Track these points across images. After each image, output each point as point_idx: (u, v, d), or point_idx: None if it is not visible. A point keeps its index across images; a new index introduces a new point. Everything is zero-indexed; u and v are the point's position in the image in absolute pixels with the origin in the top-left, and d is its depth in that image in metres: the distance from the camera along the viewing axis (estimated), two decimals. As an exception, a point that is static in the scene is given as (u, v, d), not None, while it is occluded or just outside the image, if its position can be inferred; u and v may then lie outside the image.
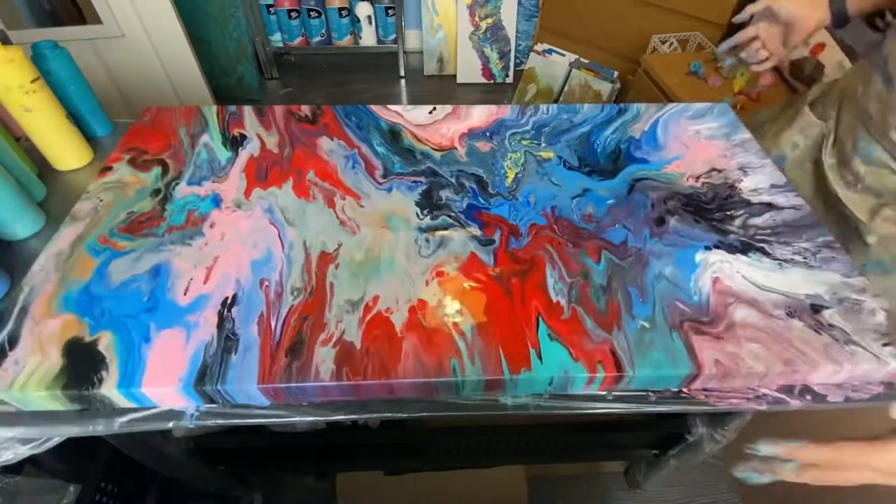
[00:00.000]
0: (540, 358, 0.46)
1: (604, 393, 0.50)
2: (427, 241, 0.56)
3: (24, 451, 0.46)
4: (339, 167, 0.65)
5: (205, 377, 0.43)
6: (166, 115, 0.72)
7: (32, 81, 0.60)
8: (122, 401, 0.44)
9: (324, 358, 0.45)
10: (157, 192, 0.60)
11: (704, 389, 0.53)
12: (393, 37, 2.57)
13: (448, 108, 0.76)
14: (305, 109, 0.75)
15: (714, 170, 0.69)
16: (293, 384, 0.44)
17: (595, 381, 0.47)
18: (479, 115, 0.75)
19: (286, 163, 0.65)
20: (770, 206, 0.64)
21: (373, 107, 0.75)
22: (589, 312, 0.50)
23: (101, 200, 0.58)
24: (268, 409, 0.47)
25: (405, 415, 0.48)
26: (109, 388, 0.42)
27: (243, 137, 0.69)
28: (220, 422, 0.46)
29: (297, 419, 0.47)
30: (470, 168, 0.66)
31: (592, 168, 0.67)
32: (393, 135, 0.71)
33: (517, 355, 0.46)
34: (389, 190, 0.62)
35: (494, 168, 0.67)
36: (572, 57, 2.06)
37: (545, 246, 0.56)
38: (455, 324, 0.48)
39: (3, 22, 1.43)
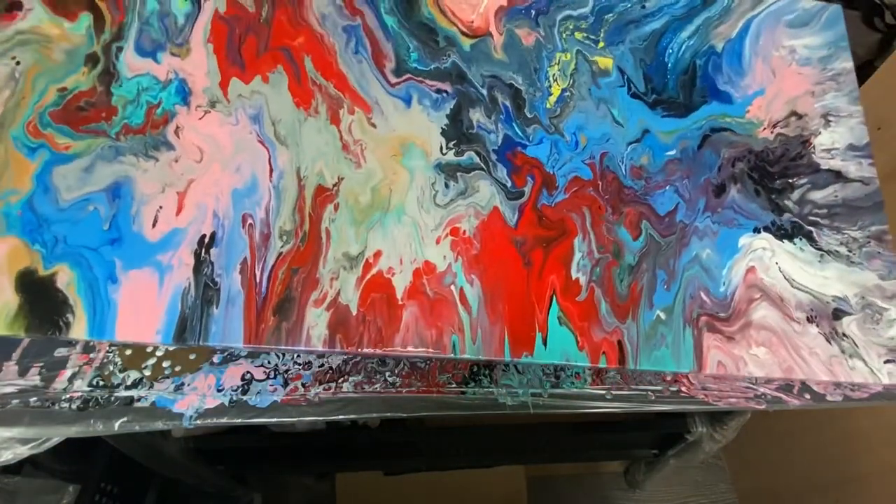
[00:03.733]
0: (545, 343, 0.44)
1: (603, 392, 0.50)
2: (446, 185, 0.47)
3: (23, 451, 0.45)
4: (339, 48, 0.49)
5: (185, 332, 0.40)
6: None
7: None
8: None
9: (316, 321, 0.42)
10: (93, 59, 0.45)
11: (704, 388, 0.53)
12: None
13: (488, -37, 0.55)
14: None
15: (794, 114, 0.56)
16: (282, 348, 0.41)
17: (591, 371, 0.46)
18: (528, -19, 0.56)
19: (264, 32, 0.49)
20: (838, 176, 0.55)
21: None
22: (607, 295, 0.46)
23: (18, 63, 0.44)
24: (267, 409, 0.46)
25: (405, 414, 0.47)
26: (80, 336, 0.38)
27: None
28: (220, 421, 0.45)
29: (297, 419, 0.46)
30: (506, 73, 0.52)
31: (660, 95, 0.54)
32: (408, 1, 0.53)
33: (523, 337, 0.44)
34: (408, 101, 0.49)
35: (537, 76, 0.52)
36: None
37: (581, 208, 0.48)
38: (462, 293, 0.44)
39: None
